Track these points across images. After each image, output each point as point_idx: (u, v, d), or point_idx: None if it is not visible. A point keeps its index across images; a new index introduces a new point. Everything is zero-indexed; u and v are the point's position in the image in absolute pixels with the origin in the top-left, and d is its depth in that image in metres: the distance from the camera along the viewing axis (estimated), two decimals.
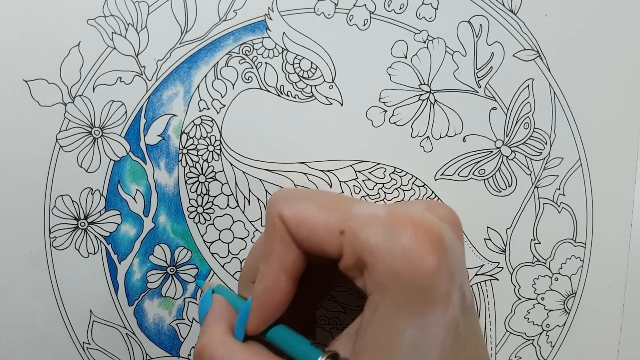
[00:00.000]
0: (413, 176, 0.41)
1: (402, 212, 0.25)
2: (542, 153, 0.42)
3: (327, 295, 0.38)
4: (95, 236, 0.39)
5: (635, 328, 0.43)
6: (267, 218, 0.27)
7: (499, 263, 0.42)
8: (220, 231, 0.40)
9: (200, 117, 0.39)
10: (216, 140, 0.40)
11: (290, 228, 0.26)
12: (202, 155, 0.40)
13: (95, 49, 0.38)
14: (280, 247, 0.26)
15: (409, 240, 0.24)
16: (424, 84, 0.41)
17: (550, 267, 0.42)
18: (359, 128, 0.40)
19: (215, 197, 0.40)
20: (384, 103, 0.40)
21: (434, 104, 0.41)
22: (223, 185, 0.40)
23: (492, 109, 0.41)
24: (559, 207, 0.42)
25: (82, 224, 0.39)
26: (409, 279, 0.23)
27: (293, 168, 0.40)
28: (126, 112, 0.39)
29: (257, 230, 0.40)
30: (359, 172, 0.41)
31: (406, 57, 0.40)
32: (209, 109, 0.39)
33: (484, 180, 0.42)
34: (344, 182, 0.41)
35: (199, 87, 0.39)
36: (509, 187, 0.42)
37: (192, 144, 0.39)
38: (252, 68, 0.39)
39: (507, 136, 0.41)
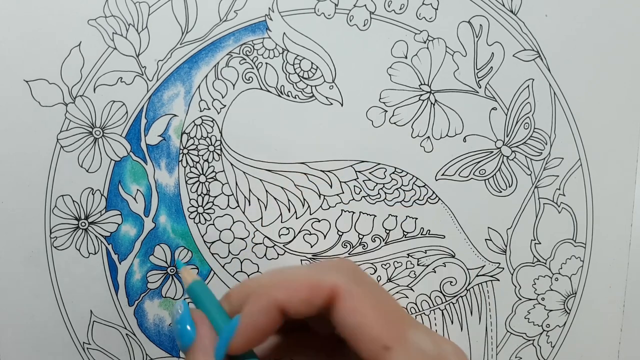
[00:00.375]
0: (413, 176, 0.41)
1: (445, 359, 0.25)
2: (542, 153, 0.42)
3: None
4: (96, 236, 0.39)
5: (635, 328, 0.43)
6: (321, 270, 0.26)
7: (499, 263, 0.42)
8: (220, 231, 0.40)
9: (200, 117, 0.39)
10: (216, 140, 0.40)
11: (339, 304, 0.25)
12: (202, 155, 0.40)
13: (96, 49, 0.38)
14: (302, 296, 0.25)
15: None
16: (424, 84, 0.41)
17: (550, 267, 0.42)
18: (359, 128, 0.40)
19: (215, 197, 0.40)
20: (384, 103, 0.40)
21: (434, 104, 0.41)
22: (223, 185, 0.40)
23: (492, 108, 0.41)
24: (559, 207, 0.42)
25: (83, 224, 0.39)
26: None
27: (293, 168, 0.40)
28: (127, 112, 0.39)
29: (257, 230, 0.40)
30: (359, 172, 0.41)
31: (406, 57, 0.40)
32: (209, 109, 0.39)
33: (484, 180, 0.42)
34: (344, 182, 0.41)
35: (199, 87, 0.39)
36: (509, 187, 0.42)
37: (193, 144, 0.39)
38: (253, 68, 0.40)
39: (507, 136, 0.41)
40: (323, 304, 0.25)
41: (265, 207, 0.40)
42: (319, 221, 0.41)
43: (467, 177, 0.41)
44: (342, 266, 0.27)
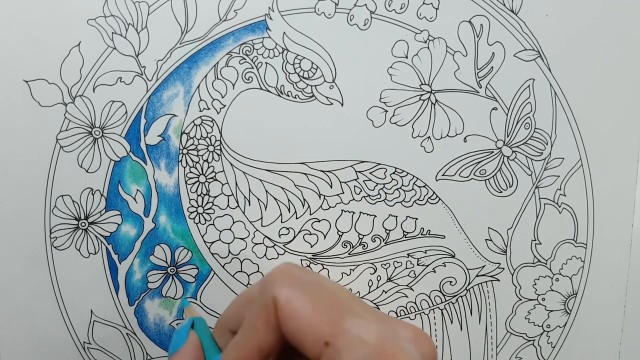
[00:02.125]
0: (414, 176, 0.41)
1: (392, 346, 0.25)
2: (542, 153, 0.42)
3: None
4: (96, 236, 0.39)
5: (636, 328, 0.43)
6: (260, 292, 0.27)
7: (499, 264, 0.42)
8: (220, 231, 0.40)
9: (200, 117, 0.39)
10: (216, 140, 0.40)
11: (279, 315, 0.26)
12: (202, 155, 0.39)
13: (95, 49, 0.38)
14: (263, 328, 0.26)
15: None
16: (425, 84, 0.41)
17: (550, 268, 0.42)
18: (359, 128, 0.40)
19: (215, 197, 0.40)
20: (384, 103, 0.40)
21: (434, 104, 0.41)
22: (223, 185, 0.40)
23: (493, 108, 0.41)
24: (560, 207, 0.42)
25: (83, 224, 0.39)
26: None
27: (293, 168, 0.40)
28: (126, 112, 0.39)
29: (257, 230, 0.40)
30: (359, 172, 0.41)
31: (407, 57, 0.40)
32: (209, 108, 0.39)
33: (485, 180, 0.41)
34: (344, 182, 0.41)
35: (199, 87, 0.39)
36: (510, 187, 0.42)
37: (192, 144, 0.39)
38: (252, 68, 0.39)
39: (507, 136, 0.41)
40: (277, 323, 0.26)
41: (265, 207, 0.40)
42: (319, 221, 0.41)
43: (467, 177, 0.41)
44: (276, 274, 0.27)
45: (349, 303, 0.26)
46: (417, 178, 0.41)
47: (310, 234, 0.41)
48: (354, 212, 0.41)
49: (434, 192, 0.41)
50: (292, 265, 0.28)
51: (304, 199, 0.40)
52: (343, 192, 0.41)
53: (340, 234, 0.41)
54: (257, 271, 0.41)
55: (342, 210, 0.41)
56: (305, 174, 0.40)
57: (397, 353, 0.24)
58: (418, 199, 0.41)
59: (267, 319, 0.26)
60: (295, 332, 0.25)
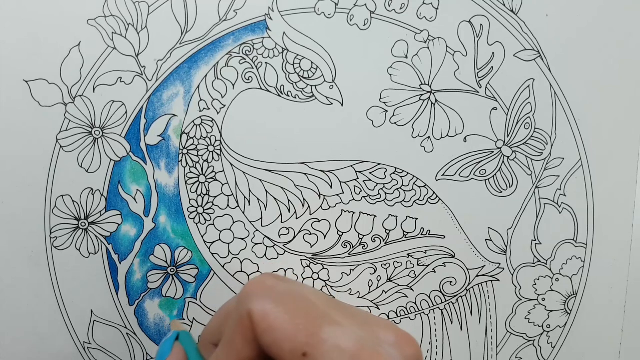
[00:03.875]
0: (414, 176, 0.41)
1: (370, 352, 0.24)
2: (542, 153, 0.42)
3: None
4: (96, 236, 0.39)
5: (636, 329, 0.43)
6: (237, 306, 0.27)
7: (499, 264, 0.42)
8: (220, 231, 0.40)
9: (200, 117, 0.39)
10: (216, 140, 0.40)
11: (255, 329, 0.26)
12: (202, 155, 0.39)
13: (95, 49, 0.38)
14: (241, 342, 0.26)
15: None
16: (425, 84, 0.41)
17: (550, 268, 0.42)
18: (359, 128, 0.40)
19: (215, 197, 0.40)
20: (384, 103, 0.40)
21: (434, 104, 0.41)
22: (223, 185, 0.40)
23: (493, 109, 0.41)
24: (560, 207, 0.42)
25: (83, 224, 0.39)
26: None
27: (293, 168, 0.40)
28: (126, 112, 0.39)
29: (257, 230, 0.40)
30: (359, 172, 0.41)
31: (407, 57, 0.40)
32: (209, 109, 0.39)
33: (485, 180, 0.41)
34: (344, 182, 0.41)
35: (199, 87, 0.39)
36: (510, 187, 0.42)
37: (192, 144, 0.39)
38: (252, 68, 0.39)
39: (507, 136, 0.41)
40: (254, 337, 0.26)
41: (265, 207, 0.40)
42: (319, 221, 0.41)
43: (467, 177, 0.41)
44: (251, 288, 0.27)
45: (326, 310, 0.26)
46: (417, 178, 0.41)
47: (310, 234, 0.41)
48: (354, 212, 0.41)
49: (434, 192, 0.41)
50: (267, 276, 0.28)
51: (304, 199, 0.40)
52: (343, 192, 0.41)
53: (340, 234, 0.41)
54: (257, 271, 0.41)
55: (342, 210, 0.41)
56: (305, 174, 0.40)
57: (376, 358, 0.24)
58: (418, 199, 0.41)
59: (244, 333, 0.26)
60: (272, 345, 0.25)
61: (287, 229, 0.41)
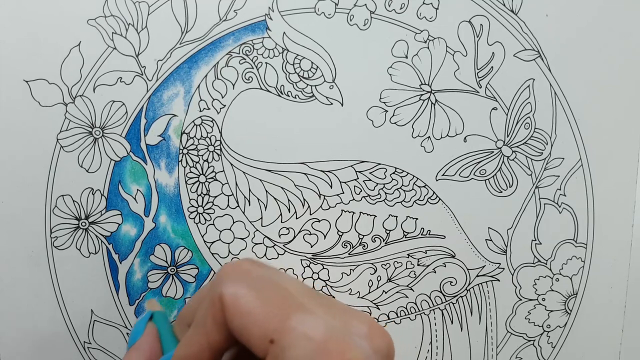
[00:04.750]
0: (414, 176, 0.41)
1: (338, 342, 0.24)
2: (542, 153, 0.42)
3: None
4: (96, 236, 0.39)
5: (636, 329, 0.43)
6: (210, 289, 0.27)
7: (499, 264, 0.42)
8: (220, 231, 0.40)
9: (200, 117, 0.39)
10: (216, 140, 0.40)
11: (225, 313, 0.25)
12: (202, 155, 0.40)
13: (96, 49, 0.38)
14: (211, 325, 0.26)
15: None
16: (425, 84, 0.41)
17: (551, 268, 0.42)
18: (359, 128, 0.40)
19: (215, 197, 0.40)
20: (384, 103, 0.40)
21: (434, 104, 0.41)
22: (223, 185, 0.40)
23: (493, 108, 0.41)
24: (560, 207, 0.42)
25: (83, 224, 0.39)
26: None
27: (293, 168, 0.40)
28: (126, 112, 0.39)
29: (257, 230, 0.40)
30: (359, 172, 0.41)
31: (406, 57, 0.40)
32: (209, 108, 0.39)
33: (485, 180, 0.41)
34: (344, 182, 0.41)
35: (199, 87, 0.39)
36: (510, 187, 0.42)
37: (192, 144, 0.39)
38: (252, 68, 0.39)
39: (507, 136, 0.41)
40: (224, 320, 0.26)
41: (265, 207, 0.40)
42: (319, 221, 0.41)
43: (467, 177, 0.41)
44: (225, 272, 0.27)
45: (299, 299, 0.26)
46: (417, 178, 0.41)
47: (310, 234, 0.41)
48: (354, 212, 0.41)
49: (434, 192, 0.41)
50: (245, 260, 0.28)
51: (304, 199, 0.40)
52: (343, 192, 0.41)
53: (340, 234, 0.41)
54: None
55: (342, 210, 0.41)
56: (305, 174, 0.40)
57: (344, 348, 0.24)
58: (418, 199, 0.41)
59: (214, 316, 0.26)
60: (241, 330, 0.25)
61: (287, 229, 0.41)
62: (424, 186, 0.41)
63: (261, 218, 0.40)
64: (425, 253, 0.42)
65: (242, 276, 0.27)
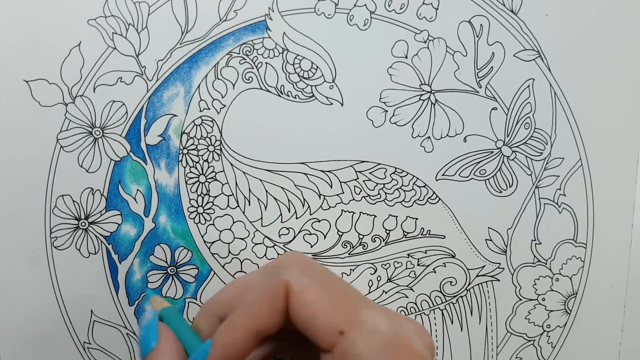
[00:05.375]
0: (414, 176, 0.41)
1: (405, 336, 0.25)
2: (542, 153, 0.42)
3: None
4: (96, 236, 0.39)
5: (636, 328, 0.43)
6: (271, 274, 0.26)
7: (499, 264, 0.42)
8: (220, 231, 0.40)
9: (200, 117, 0.39)
10: (216, 140, 0.40)
11: (291, 300, 0.25)
12: (202, 155, 0.40)
13: (96, 49, 0.38)
14: (268, 310, 0.26)
15: None
16: (425, 84, 0.41)
17: (550, 268, 0.42)
18: (359, 128, 0.40)
19: (215, 197, 0.40)
20: (384, 103, 0.40)
21: (434, 104, 0.41)
22: (223, 185, 0.40)
23: (493, 108, 0.41)
24: (560, 207, 0.42)
25: (83, 224, 0.39)
26: None
27: (293, 168, 0.40)
28: (126, 112, 0.39)
29: (257, 230, 0.40)
30: (359, 172, 0.41)
31: (406, 57, 0.40)
32: (209, 108, 0.39)
33: (485, 180, 0.41)
34: (344, 182, 0.41)
35: (199, 87, 0.39)
36: (510, 187, 0.42)
37: (192, 144, 0.39)
38: (252, 68, 0.39)
39: (507, 136, 0.41)
40: (284, 307, 0.25)
41: (265, 207, 0.40)
42: (319, 221, 0.41)
43: (467, 177, 0.41)
44: (288, 261, 0.27)
45: (360, 295, 0.26)
46: (417, 178, 0.41)
47: (310, 234, 0.41)
48: (354, 212, 0.41)
49: (434, 192, 0.41)
50: (302, 254, 0.28)
51: (304, 199, 0.40)
52: (343, 192, 0.41)
53: (340, 234, 0.41)
54: None
55: (342, 210, 0.41)
56: (305, 174, 0.40)
57: (411, 343, 0.24)
58: (418, 199, 0.41)
59: (274, 302, 0.25)
60: (308, 320, 0.25)
61: (287, 229, 0.41)
62: (423, 186, 0.41)
63: (261, 218, 0.40)
64: (425, 253, 0.42)
65: (306, 267, 0.27)
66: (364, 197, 0.41)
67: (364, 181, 0.41)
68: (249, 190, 0.40)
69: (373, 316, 0.25)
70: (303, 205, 0.40)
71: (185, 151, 0.39)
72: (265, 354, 0.28)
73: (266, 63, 0.40)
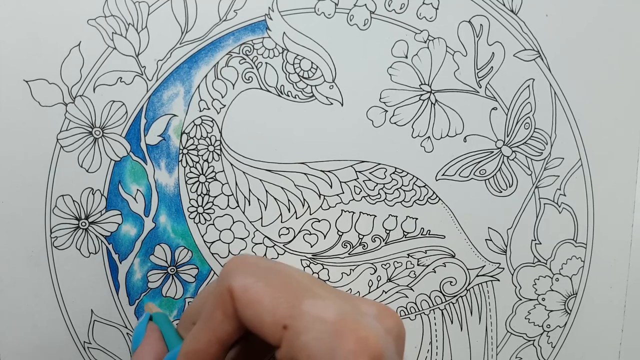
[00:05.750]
0: (414, 176, 0.41)
1: (351, 321, 0.24)
2: (542, 153, 0.42)
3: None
4: (96, 236, 0.39)
5: (636, 328, 0.43)
6: (217, 283, 0.27)
7: (499, 264, 0.42)
8: (220, 231, 0.40)
9: (200, 117, 0.39)
10: (216, 140, 0.40)
11: (236, 304, 0.26)
12: (202, 155, 0.40)
13: (96, 48, 0.38)
14: (221, 318, 0.26)
15: (346, 355, 0.23)
16: (425, 84, 0.41)
17: (550, 268, 0.42)
18: (359, 128, 0.40)
19: (215, 197, 0.40)
20: (384, 103, 0.40)
21: (434, 104, 0.41)
22: (223, 185, 0.40)
23: (493, 108, 0.41)
24: (560, 207, 0.42)
25: (83, 224, 0.39)
26: None
27: (293, 168, 0.40)
28: (126, 112, 0.39)
29: (257, 230, 0.40)
30: (359, 172, 0.41)
31: (406, 57, 0.40)
32: (209, 108, 0.39)
33: (485, 180, 0.41)
34: (344, 182, 0.41)
35: (199, 86, 0.39)
36: (510, 187, 0.42)
37: (192, 144, 0.39)
38: (252, 68, 0.39)
39: (507, 136, 0.41)
40: (234, 312, 0.26)
41: (265, 207, 0.40)
42: (319, 221, 0.41)
43: (467, 177, 0.41)
44: (232, 265, 0.27)
45: (307, 285, 0.26)
46: (417, 178, 0.41)
47: (310, 234, 0.41)
48: (354, 212, 0.41)
49: (434, 192, 0.41)
50: (247, 255, 0.28)
51: (304, 199, 0.40)
52: (343, 192, 0.41)
53: (340, 234, 0.41)
54: None
55: (342, 210, 0.41)
56: (305, 174, 0.40)
57: (357, 327, 0.24)
58: (418, 199, 0.41)
59: (224, 309, 0.26)
60: (253, 319, 0.25)
61: (287, 229, 0.41)
62: (423, 186, 0.41)
63: (261, 218, 0.40)
64: (425, 253, 0.42)
65: (248, 268, 0.27)
66: (364, 197, 0.41)
67: (364, 181, 0.41)
68: (249, 190, 0.40)
69: (317, 305, 0.25)
70: (303, 205, 0.40)
71: (185, 151, 0.39)
72: (245, 357, 0.29)
73: (266, 63, 0.40)
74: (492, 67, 0.41)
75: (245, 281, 0.26)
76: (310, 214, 0.41)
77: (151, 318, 0.32)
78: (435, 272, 0.42)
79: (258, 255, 0.29)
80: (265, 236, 0.40)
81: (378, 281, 0.41)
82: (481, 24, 0.41)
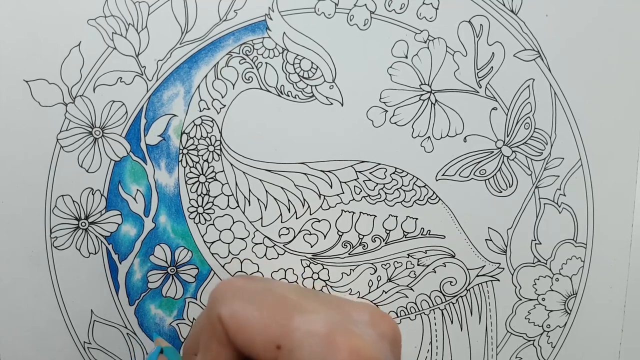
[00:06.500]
0: (414, 176, 0.41)
1: (343, 332, 0.25)
2: (542, 153, 0.42)
3: None
4: (96, 236, 0.39)
5: (636, 329, 0.43)
6: (207, 312, 0.27)
7: (499, 263, 0.42)
8: (220, 231, 0.40)
9: (200, 117, 0.39)
10: (216, 140, 0.40)
11: (228, 332, 0.26)
12: (202, 155, 0.40)
13: (96, 48, 0.38)
14: (217, 347, 0.27)
15: None
16: (425, 84, 0.41)
17: (550, 268, 0.42)
18: (359, 128, 0.40)
19: (215, 197, 0.40)
20: (384, 103, 0.40)
21: (434, 104, 0.41)
22: (223, 185, 0.40)
23: (493, 108, 0.41)
24: (560, 207, 0.42)
25: (83, 224, 0.39)
26: None
27: (293, 168, 0.40)
28: (126, 112, 0.39)
29: (257, 230, 0.40)
30: (359, 172, 0.41)
31: (406, 57, 0.40)
32: (209, 108, 0.39)
33: (485, 180, 0.41)
34: (344, 182, 0.41)
35: (199, 87, 0.39)
36: (510, 187, 0.42)
37: (192, 144, 0.39)
38: (252, 68, 0.39)
39: (507, 136, 0.41)
40: (228, 340, 0.26)
41: (265, 207, 0.40)
42: (319, 221, 0.41)
43: (467, 177, 0.41)
44: (219, 292, 0.28)
45: (296, 301, 0.26)
46: (417, 178, 0.41)
47: (310, 234, 0.41)
48: (354, 212, 0.41)
49: (434, 192, 0.41)
50: (234, 278, 0.28)
51: (304, 199, 0.40)
52: (343, 192, 0.41)
53: (340, 234, 0.41)
54: (257, 271, 0.41)
55: (342, 210, 0.41)
56: (305, 174, 0.40)
57: (348, 337, 0.24)
58: (418, 199, 0.41)
59: (218, 338, 0.26)
60: (246, 344, 0.25)
61: (287, 229, 0.41)
62: (424, 186, 0.41)
63: (261, 218, 0.40)
64: (425, 253, 0.42)
65: (235, 293, 0.27)
66: (364, 197, 0.41)
67: (364, 181, 0.41)
68: (249, 190, 0.40)
69: (307, 320, 0.25)
70: (303, 205, 0.40)
71: (185, 151, 0.39)
72: None
73: (266, 63, 0.40)
74: (492, 67, 0.41)
75: (232, 307, 0.26)
76: (311, 214, 0.41)
77: (162, 351, 0.33)
78: (435, 272, 0.42)
79: (245, 275, 0.29)
80: (265, 236, 0.40)
81: (378, 281, 0.41)
82: (481, 24, 0.41)
